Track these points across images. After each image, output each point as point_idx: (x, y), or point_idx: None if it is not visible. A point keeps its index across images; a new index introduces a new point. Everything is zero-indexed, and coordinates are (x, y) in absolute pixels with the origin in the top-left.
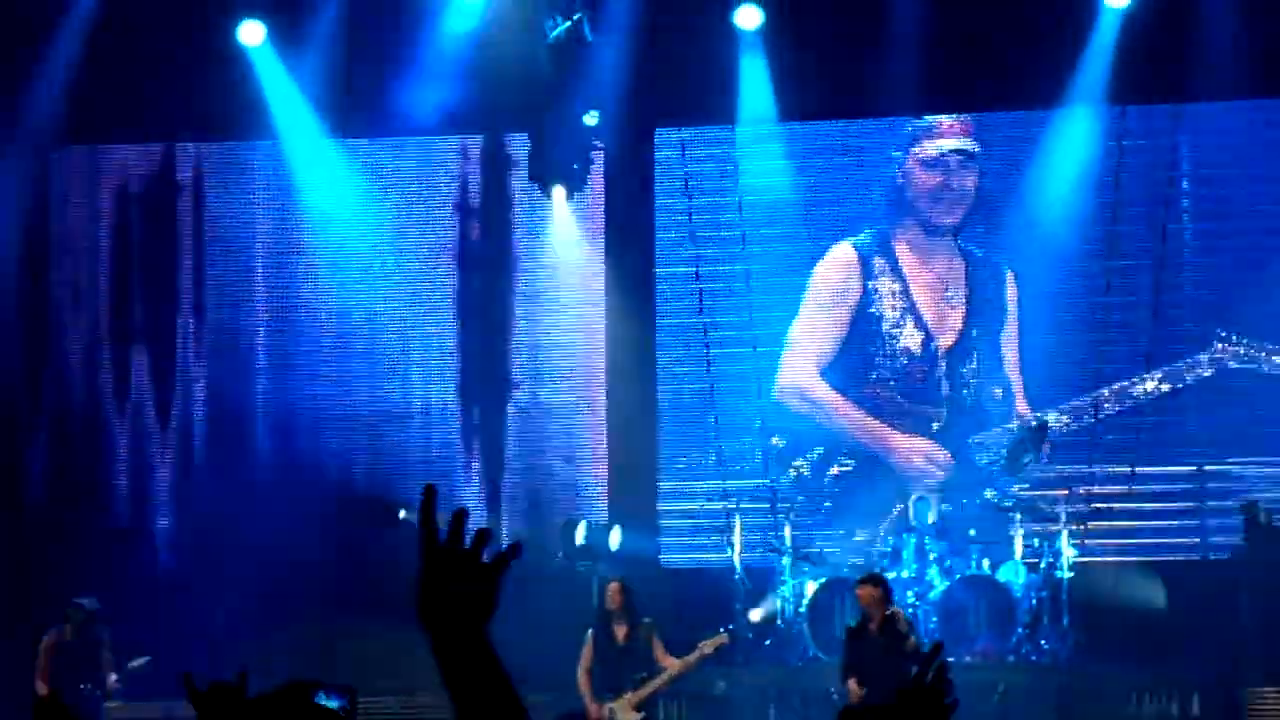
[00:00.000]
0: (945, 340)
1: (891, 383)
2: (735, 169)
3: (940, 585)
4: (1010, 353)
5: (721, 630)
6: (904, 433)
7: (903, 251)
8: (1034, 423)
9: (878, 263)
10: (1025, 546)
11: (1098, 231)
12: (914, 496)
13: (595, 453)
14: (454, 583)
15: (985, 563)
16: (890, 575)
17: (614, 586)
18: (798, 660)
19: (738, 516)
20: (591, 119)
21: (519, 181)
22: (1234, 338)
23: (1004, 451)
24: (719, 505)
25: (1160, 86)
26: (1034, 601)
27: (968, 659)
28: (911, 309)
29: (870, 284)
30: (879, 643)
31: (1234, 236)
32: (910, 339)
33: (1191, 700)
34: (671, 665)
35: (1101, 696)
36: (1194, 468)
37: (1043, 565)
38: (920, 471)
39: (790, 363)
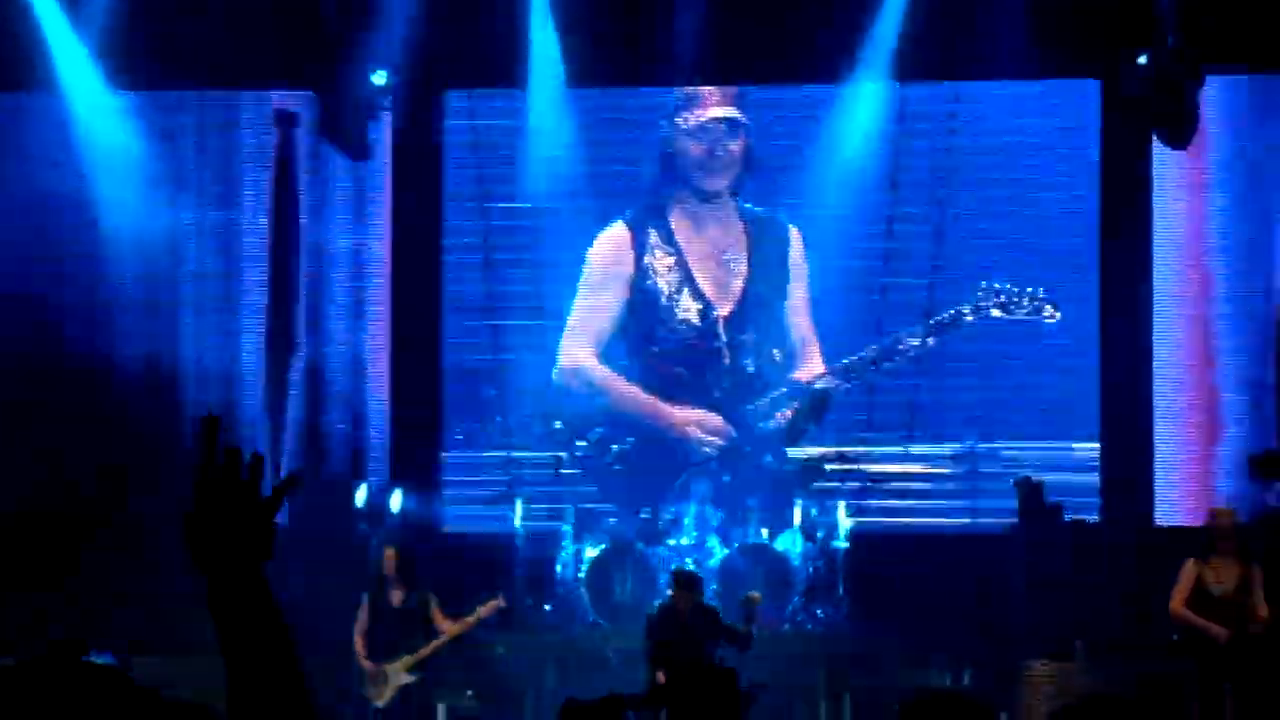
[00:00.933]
0: (725, 309)
1: (672, 356)
2: (525, 135)
3: (719, 553)
4: (800, 314)
5: (498, 594)
6: (685, 406)
7: (678, 222)
8: (816, 393)
9: (652, 237)
10: (803, 516)
11: (879, 201)
12: (695, 466)
13: (378, 415)
14: (228, 515)
15: (764, 532)
16: (670, 543)
17: (390, 553)
18: (577, 625)
19: (520, 484)
20: (380, 78)
21: (305, 138)
22: (998, 285)
23: (785, 421)
24: (502, 472)
25: (942, 65)
26: (810, 570)
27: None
28: (689, 280)
29: (645, 260)
30: (685, 630)
31: (1007, 208)
32: (689, 311)
33: (963, 672)
34: (449, 629)
35: (874, 666)
36: (969, 443)
37: (820, 535)
38: (701, 443)
39: (568, 346)
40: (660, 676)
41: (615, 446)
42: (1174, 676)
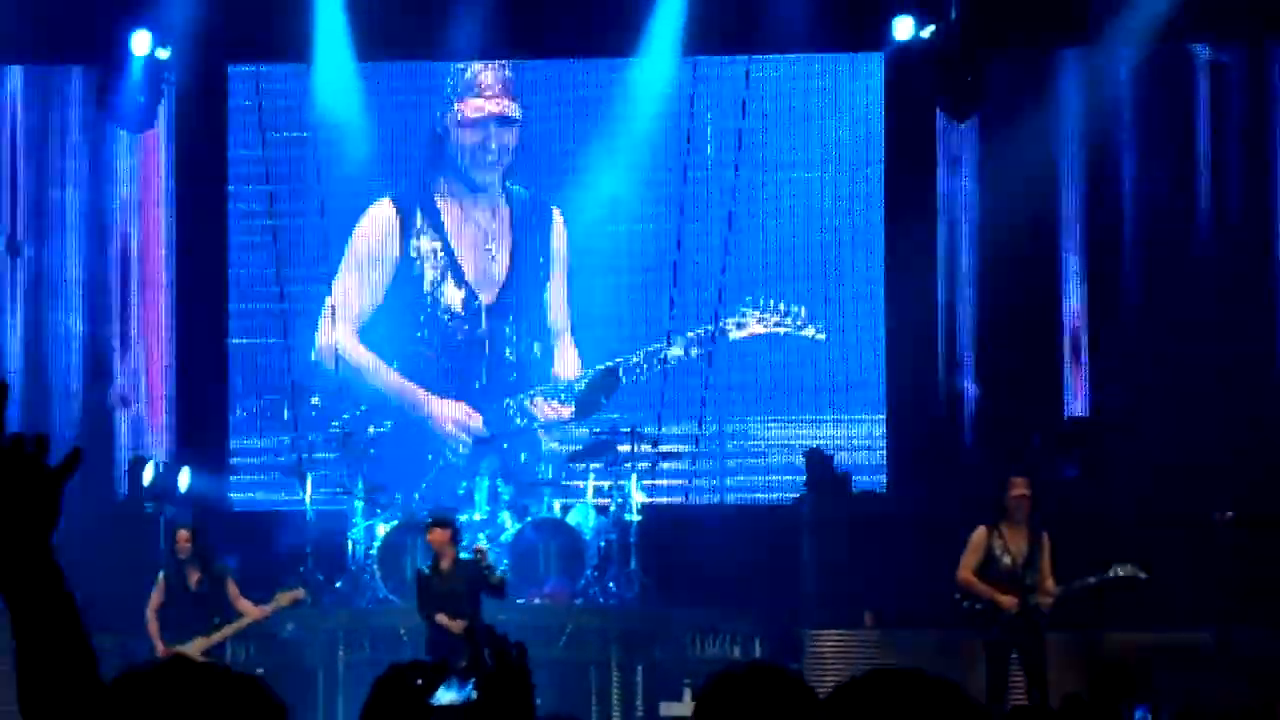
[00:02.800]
0: (487, 297)
1: (433, 343)
2: (310, 110)
3: (512, 528)
4: (558, 305)
5: (298, 585)
6: (444, 395)
7: (445, 206)
8: (606, 367)
9: (419, 219)
10: (595, 490)
11: (666, 182)
12: (481, 441)
13: (163, 392)
14: (14, 489)
15: (556, 505)
16: (463, 518)
17: (183, 535)
18: (368, 603)
19: (310, 463)
20: (163, 53)
21: (80, 116)
22: (764, 303)
23: (576, 396)
24: (290, 449)
25: (730, 39)
26: (603, 544)
27: (537, 601)
28: (453, 266)
29: (411, 243)
30: (450, 583)
31: (792, 190)
32: (452, 298)
33: (754, 642)
34: (248, 612)
35: (667, 638)
36: (753, 421)
37: (612, 508)
38: (456, 438)
39: (327, 324)
40: (446, 620)
41: (372, 429)
42: (962, 645)
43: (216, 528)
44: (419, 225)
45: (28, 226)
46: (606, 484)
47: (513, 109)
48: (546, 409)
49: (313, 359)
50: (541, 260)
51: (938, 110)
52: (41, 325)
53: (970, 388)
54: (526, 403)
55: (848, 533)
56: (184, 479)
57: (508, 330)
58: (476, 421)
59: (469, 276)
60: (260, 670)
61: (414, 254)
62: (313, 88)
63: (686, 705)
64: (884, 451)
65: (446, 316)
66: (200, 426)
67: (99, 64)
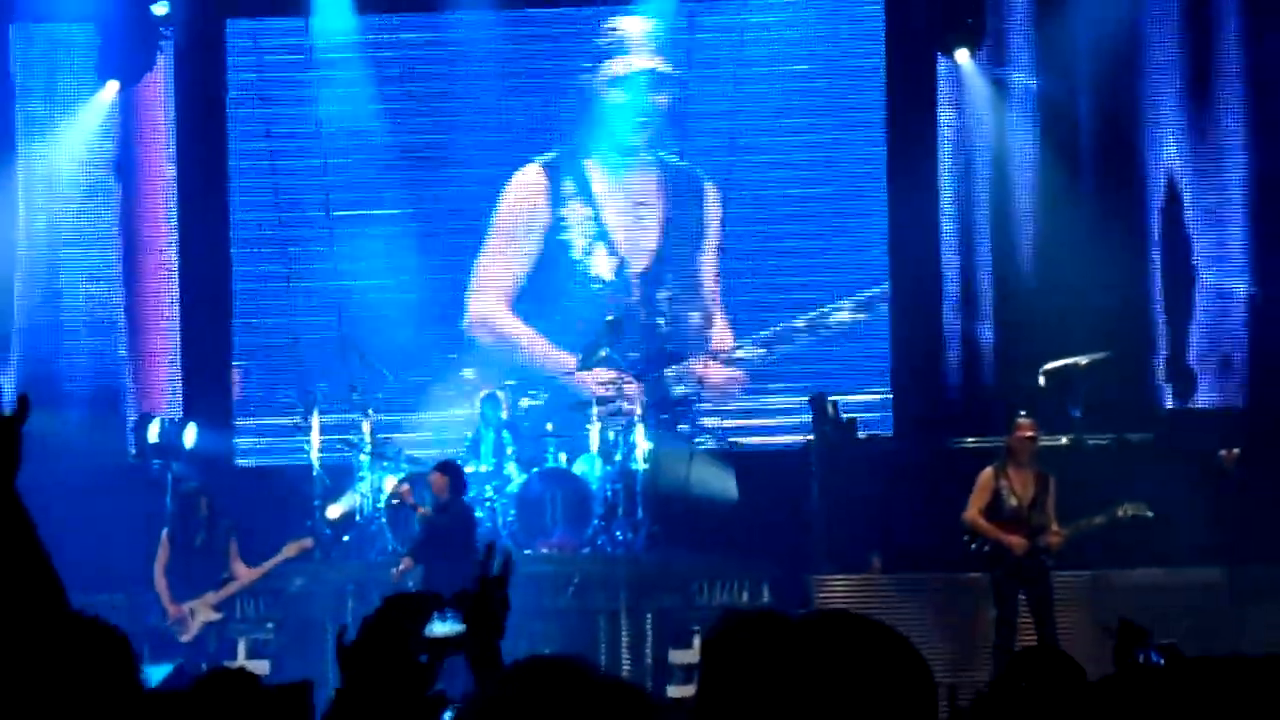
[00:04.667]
0: (638, 265)
1: (584, 313)
2: (310, 66)
3: (518, 478)
4: (709, 277)
5: (307, 538)
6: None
7: (594, 172)
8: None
9: (567, 186)
10: (601, 439)
11: (811, 142)
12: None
13: (168, 348)
14: None
15: (562, 456)
16: (469, 469)
17: (203, 502)
18: (377, 555)
19: (315, 414)
20: (160, 9)
21: (78, 72)
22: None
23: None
24: (298, 404)
25: None
26: (609, 493)
27: (544, 551)
28: (603, 234)
29: (560, 211)
30: (442, 527)
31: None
32: (602, 266)
33: (762, 588)
34: (246, 574)
35: (675, 586)
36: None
37: (618, 458)
38: (614, 402)
39: (478, 295)
40: (406, 563)
41: (524, 401)
42: (969, 587)
43: (222, 484)
44: (567, 192)
45: (29, 183)
46: (612, 433)
47: (663, 64)
48: (712, 366)
49: (464, 329)
50: (695, 230)
51: (937, 52)
52: (47, 283)
53: (977, 329)
54: (695, 366)
55: (855, 476)
56: (190, 436)
57: (660, 298)
58: (633, 387)
59: (619, 245)
60: (270, 625)
61: (563, 222)
62: (312, 43)
63: (695, 652)
64: (890, 414)
65: (598, 284)
66: (206, 381)
67: (96, 19)
